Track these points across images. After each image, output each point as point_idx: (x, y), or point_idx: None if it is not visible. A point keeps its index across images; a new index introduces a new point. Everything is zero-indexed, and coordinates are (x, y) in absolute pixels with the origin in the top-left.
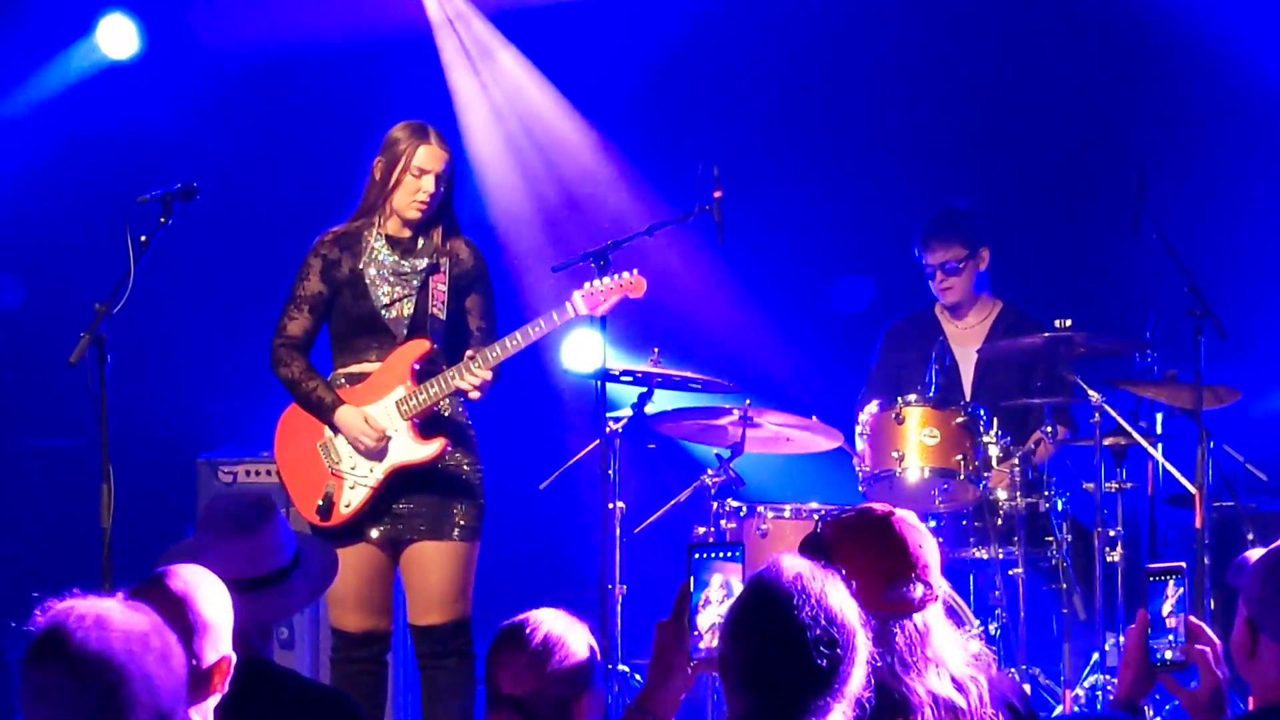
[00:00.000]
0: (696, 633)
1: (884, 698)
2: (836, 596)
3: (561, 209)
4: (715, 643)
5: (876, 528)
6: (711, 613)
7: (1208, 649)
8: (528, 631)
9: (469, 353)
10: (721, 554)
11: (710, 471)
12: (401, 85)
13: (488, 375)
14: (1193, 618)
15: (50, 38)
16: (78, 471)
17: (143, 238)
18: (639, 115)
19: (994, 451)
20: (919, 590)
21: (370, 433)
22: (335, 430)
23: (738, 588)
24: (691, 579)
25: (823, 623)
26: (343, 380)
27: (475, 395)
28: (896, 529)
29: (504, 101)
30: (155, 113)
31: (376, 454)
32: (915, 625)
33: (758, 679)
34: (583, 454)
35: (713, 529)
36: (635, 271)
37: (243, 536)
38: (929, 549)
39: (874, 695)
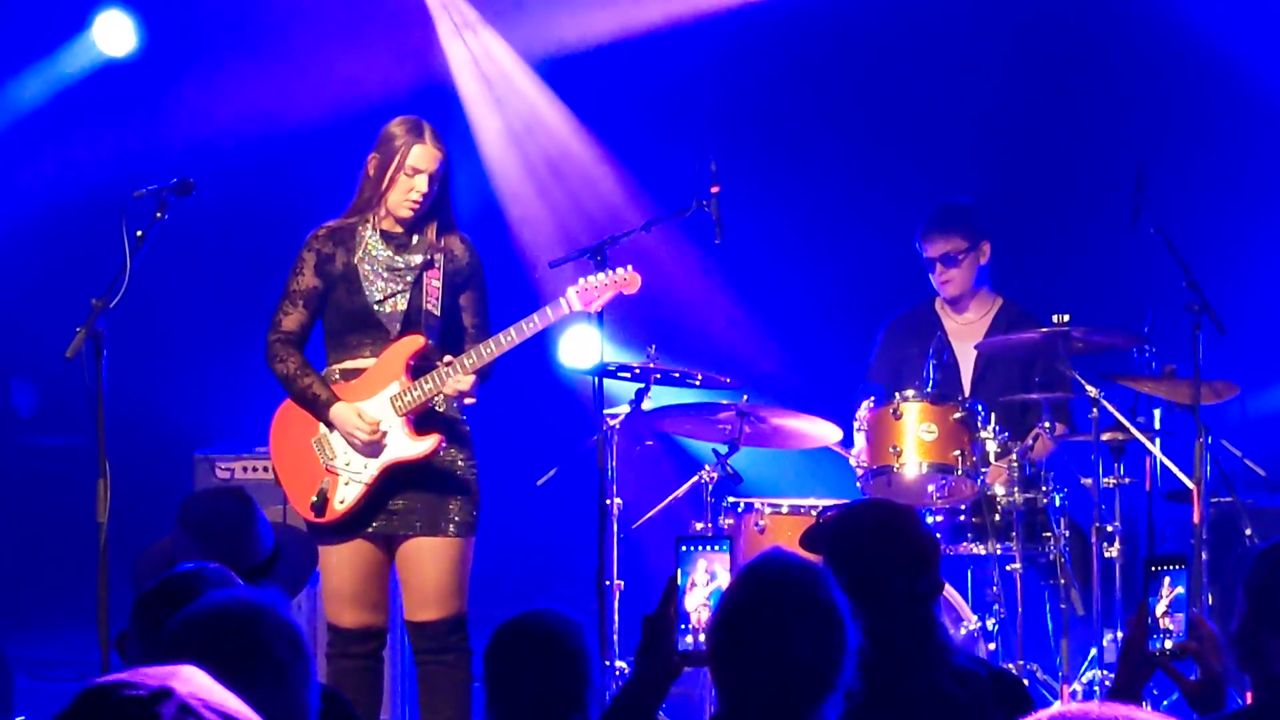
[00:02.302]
0: (684, 626)
1: (889, 687)
2: (825, 588)
3: (564, 206)
4: (702, 636)
5: (888, 520)
6: (696, 596)
7: (1207, 641)
8: (531, 628)
9: (447, 358)
10: (709, 546)
11: (708, 467)
12: (401, 78)
13: (470, 380)
14: (1193, 609)
15: (46, 35)
16: (74, 467)
17: (139, 233)
18: (639, 112)
19: (992, 447)
20: (928, 583)
21: (364, 427)
22: (330, 426)
23: (722, 574)
24: (679, 571)
25: (812, 614)
26: (337, 376)
27: (469, 400)
28: (909, 522)
29: (506, 97)
30: (153, 107)
31: (371, 450)
32: (922, 617)
33: (746, 671)
34: (580, 450)
35: (710, 525)
36: (630, 267)
37: (221, 534)
38: (934, 543)
39: (877, 686)
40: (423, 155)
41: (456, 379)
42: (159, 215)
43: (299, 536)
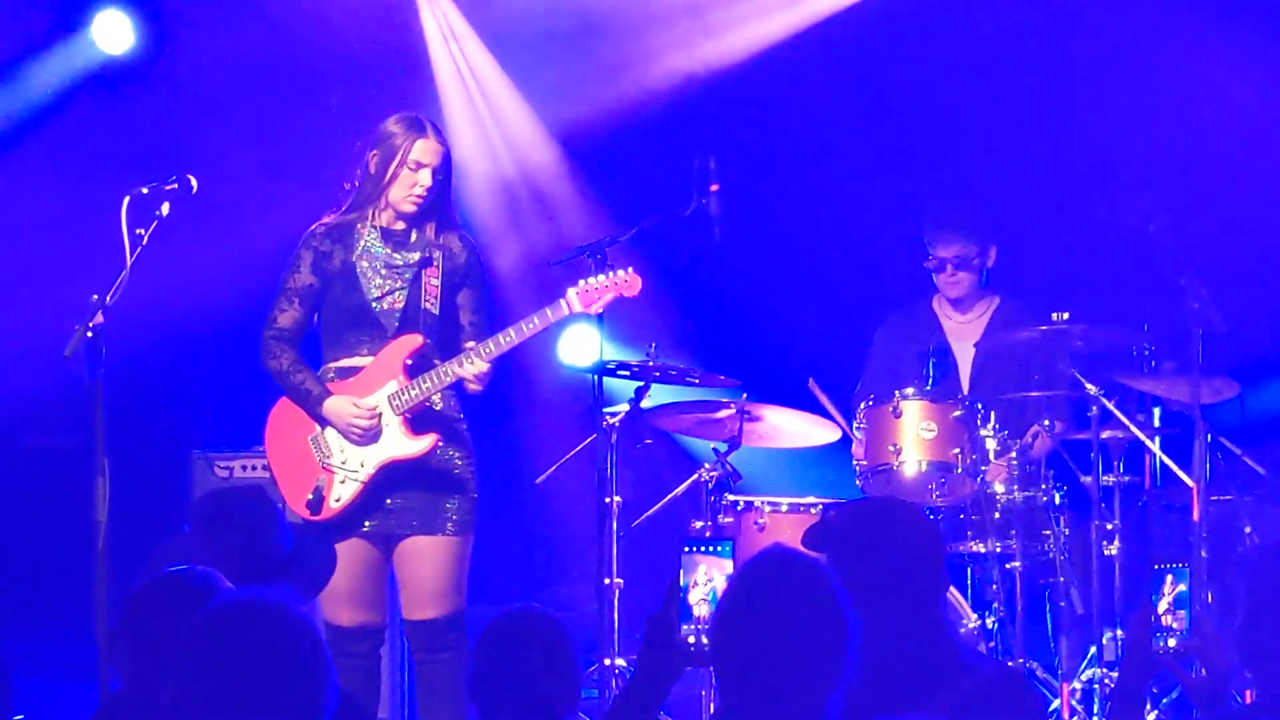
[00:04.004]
0: (685, 625)
1: (898, 684)
2: (826, 584)
3: (558, 206)
4: (704, 638)
5: (895, 518)
6: (696, 595)
7: (1210, 639)
8: (517, 627)
9: (468, 345)
10: (711, 548)
11: (707, 465)
12: (391, 80)
13: (485, 367)
14: (1195, 607)
15: (45, 33)
16: (73, 465)
17: (139, 230)
18: (636, 111)
19: (991, 445)
20: (936, 579)
21: (361, 413)
22: (324, 423)
23: (719, 578)
24: (682, 573)
25: (813, 610)
26: (333, 374)
27: (475, 387)
28: (916, 520)
29: (485, 103)
30: (152, 104)
31: (368, 447)
32: (930, 614)
33: (748, 668)
34: (580, 448)
35: (709, 523)
36: (630, 269)
37: (239, 532)
38: (940, 540)
39: (886, 682)
40: (426, 149)
41: (475, 365)
42: (160, 213)
43: (318, 537)
